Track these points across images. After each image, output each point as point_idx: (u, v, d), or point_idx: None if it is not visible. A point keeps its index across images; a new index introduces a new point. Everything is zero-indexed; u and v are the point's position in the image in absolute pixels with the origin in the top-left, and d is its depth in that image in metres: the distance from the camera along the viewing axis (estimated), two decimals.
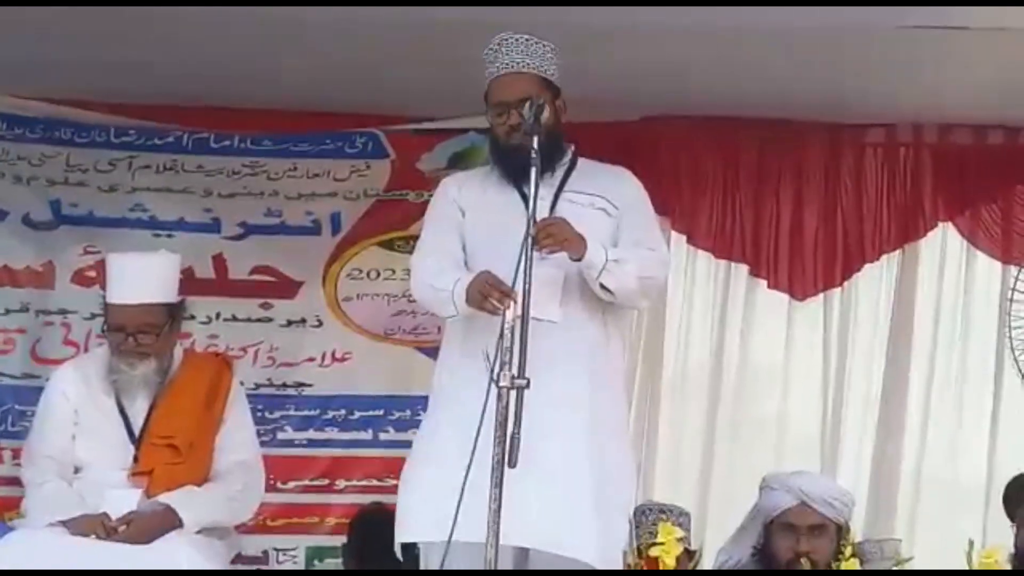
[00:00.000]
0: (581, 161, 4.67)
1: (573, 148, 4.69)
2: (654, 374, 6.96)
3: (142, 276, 5.08)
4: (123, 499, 4.90)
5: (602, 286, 4.43)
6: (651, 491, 6.66)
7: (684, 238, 6.93)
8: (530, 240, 4.16)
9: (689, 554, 5.40)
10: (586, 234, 4.40)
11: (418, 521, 4.39)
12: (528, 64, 4.52)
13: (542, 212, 4.38)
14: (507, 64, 4.51)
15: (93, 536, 4.78)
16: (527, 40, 4.53)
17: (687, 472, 6.95)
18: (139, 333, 4.99)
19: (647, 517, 5.62)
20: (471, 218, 4.60)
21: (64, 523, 4.83)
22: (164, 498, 4.90)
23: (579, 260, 4.39)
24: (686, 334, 7.02)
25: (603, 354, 4.58)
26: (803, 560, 5.03)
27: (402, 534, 4.48)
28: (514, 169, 4.43)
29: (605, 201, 4.59)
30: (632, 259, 4.47)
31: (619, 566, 4.58)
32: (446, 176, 4.94)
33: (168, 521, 4.86)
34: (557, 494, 4.33)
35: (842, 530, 5.11)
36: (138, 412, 5.04)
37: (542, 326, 4.28)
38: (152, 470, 4.95)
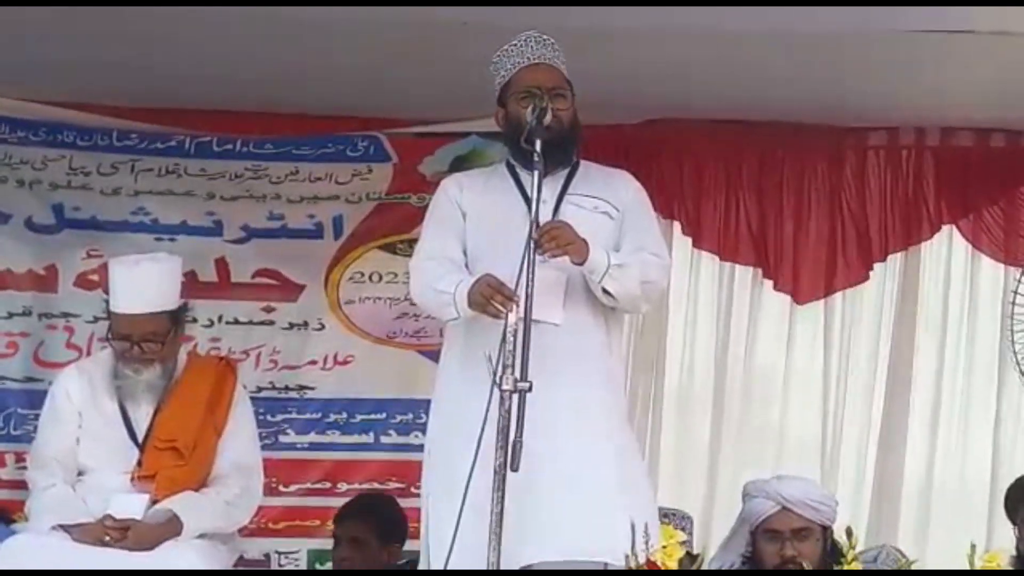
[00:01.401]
0: (583, 163, 4.67)
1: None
2: (658, 378, 6.94)
3: (146, 285, 5.05)
4: (128, 503, 4.89)
5: (604, 291, 4.43)
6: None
7: (689, 241, 6.93)
8: (533, 243, 4.17)
9: (691, 558, 5.40)
10: (589, 237, 4.39)
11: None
12: (556, 60, 4.56)
13: (545, 215, 4.38)
14: (538, 56, 4.54)
15: (96, 543, 4.78)
16: (552, 41, 4.56)
17: (691, 477, 6.93)
18: (144, 341, 4.98)
19: None
20: (472, 220, 4.59)
21: (66, 530, 4.82)
22: (163, 504, 4.90)
23: (581, 264, 4.38)
24: (691, 338, 7.00)
25: (606, 356, 4.58)
26: (801, 561, 5.03)
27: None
28: (529, 159, 4.35)
29: (607, 204, 4.59)
30: (634, 264, 4.46)
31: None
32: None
33: (170, 529, 4.86)
34: (582, 499, 4.34)
35: (827, 531, 5.11)
36: (142, 416, 5.03)
37: (544, 329, 4.28)
38: (156, 474, 4.95)
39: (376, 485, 6.58)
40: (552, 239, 4.25)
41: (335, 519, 6.03)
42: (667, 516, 5.72)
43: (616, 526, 4.31)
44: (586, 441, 4.43)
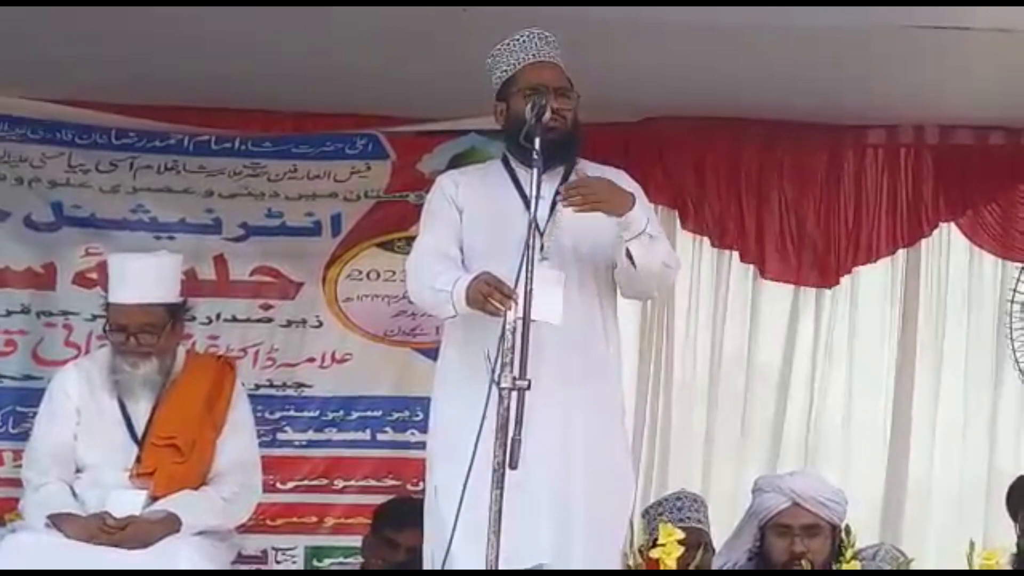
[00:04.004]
0: (581, 162, 4.67)
1: None
2: (660, 375, 6.94)
3: (144, 276, 5.10)
4: (127, 499, 4.91)
5: (628, 255, 4.40)
6: (656, 492, 6.66)
7: (688, 238, 6.92)
8: (532, 242, 4.16)
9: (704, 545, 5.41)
10: (588, 236, 4.40)
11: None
12: (559, 61, 4.55)
13: (542, 212, 4.38)
14: (545, 53, 4.53)
15: (91, 540, 4.78)
16: (556, 41, 4.56)
17: (694, 476, 6.92)
18: (141, 333, 5.02)
19: (653, 515, 5.64)
20: (469, 217, 4.58)
21: (60, 528, 4.84)
22: (161, 504, 4.91)
23: (620, 217, 4.33)
24: (693, 335, 7.00)
25: (603, 355, 4.58)
26: (803, 561, 5.04)
27: None
28: (550, 148, 4.32)
29: None
30: (662, 242, 4.46)
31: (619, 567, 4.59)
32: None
33: (168, 526, 4.87)
34: (570, 501, 4.37)
35: (836, 530, 5.12)
36: (141, 413, 5.05)
37: (542, 327, 4.28)
38: (155, 470, 4.97)
39: (373, 482, 6.59)
40: (580, 194, 4.24)
41: (385, 521, 5.88)
42: (680, 499, 5.74)
43: (597, 532, 4.37)
44: (580, 440, 4.44)
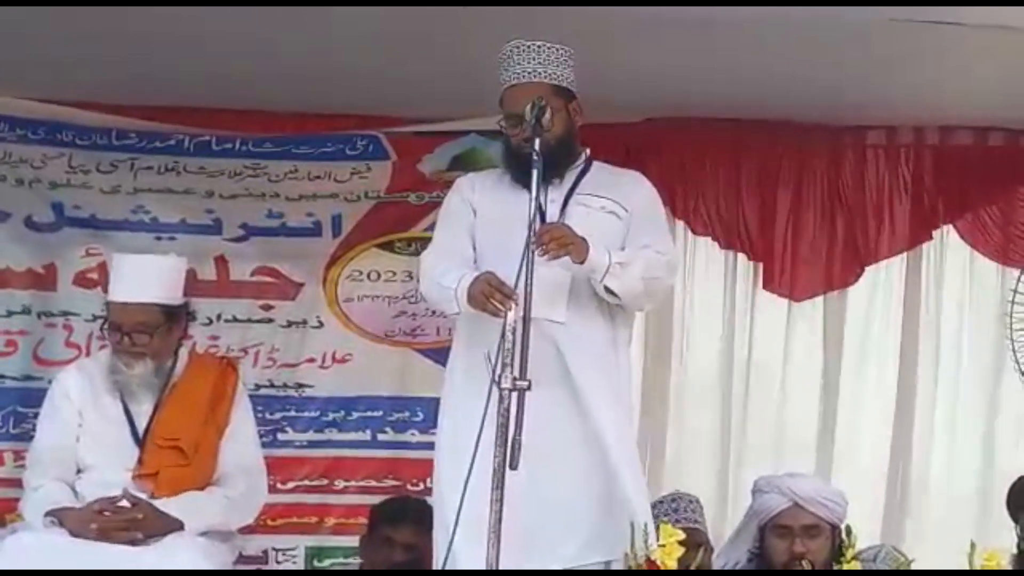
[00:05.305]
0: (595, 164, 4.70)
1: (588, 152, 4.71)
2: (661, 376, 6.95)
3: (142, 276, 5.12)
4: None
5: (607, 289, 4.44)
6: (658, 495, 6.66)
7: (693, 238, 6.93)
8: (532, 242, 4.17)
9: (703, 545, 5.40)
10: (595, 237, 4.42)
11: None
12: (539, 72, 4.55)
13: (552, 215, 4.42)
14: (518, 74, 4.55)
15: (92, 529, 4.79)
16: (539, 47, 4.56)
17: (697, 478, 6.91)
18: (134, 332, 5.03)
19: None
20: (482, 218, 4.64)
21: (59, 520, 4.85)
22: (165, 503, 4.91)
23: (581, 264, 4.39)
24: (696, 337, 7.00)
25: (610, 354, 4.61)
26: (803, 562, 5.04)
27: None
28: (524, 174, 4.41)
29: (616, 204, 4.61)
30: (637, 260, 4.48)
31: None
32: (447, 178, 4.96)
33: (173, 523, 4.89)
34: (564, 504, 4.36)
35: (837, 530, 5.12)
36: (143, 414, 5.06)
37: (549, 327, 4.30)
38: (157, 472, 4.97)
39: (373, 483, 6.58)
40: (552, 239, 4.27)
41: (382, 519, 5.85)
42: (676, 500, 5.74)
43: (609, 529, 4.36)
44: (587, 440, 4.45)
